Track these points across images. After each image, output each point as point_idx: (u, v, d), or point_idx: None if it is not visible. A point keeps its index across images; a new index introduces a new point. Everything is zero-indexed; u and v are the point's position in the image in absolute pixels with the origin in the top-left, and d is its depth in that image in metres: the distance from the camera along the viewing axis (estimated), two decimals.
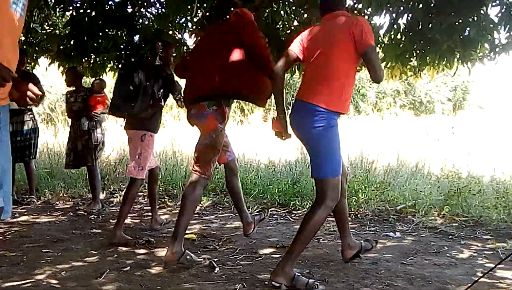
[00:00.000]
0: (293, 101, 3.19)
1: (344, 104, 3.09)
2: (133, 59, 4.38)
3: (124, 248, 3.99)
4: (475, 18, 4.40)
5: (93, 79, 6.12)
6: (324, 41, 3.08)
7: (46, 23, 6.92)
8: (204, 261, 3.57)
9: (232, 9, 5.30)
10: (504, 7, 4.38)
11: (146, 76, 4.08)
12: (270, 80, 3.39)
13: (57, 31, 6.82)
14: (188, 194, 3.53)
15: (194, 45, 3.84)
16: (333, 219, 5.11)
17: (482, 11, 4.36)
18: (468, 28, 4.48)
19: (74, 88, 5.70)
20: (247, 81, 3.44)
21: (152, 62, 4.28)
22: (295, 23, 5.84)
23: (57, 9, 6.16)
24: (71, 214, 5.43)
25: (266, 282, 3.13)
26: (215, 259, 3.63)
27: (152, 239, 4.22)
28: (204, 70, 3.49)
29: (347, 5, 4.86)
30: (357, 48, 2.97)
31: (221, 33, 3.60)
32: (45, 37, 6.34)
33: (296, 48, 3.23)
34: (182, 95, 3.97)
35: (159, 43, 4.37)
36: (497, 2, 4.43)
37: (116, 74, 6.58)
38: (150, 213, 4.89)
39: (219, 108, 3.49)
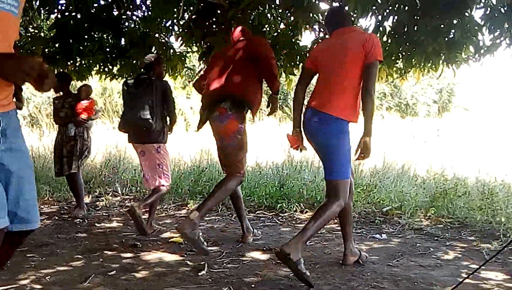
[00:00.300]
0: (306, 109, 3.41)
1: (356, 114, 3.32)
2: (137, 75, 4.59)
3: (109, 252, 3.96)
4: (460, 21, 4.44)
5: (80, 84, 6.07)
6: (340, 54, 3.27)
7: (31, 26, 6.86)
8: (204, 259, 3.55)
9: (218, 11, 5.32)
10: (488, 9, 4.42)
11: (155, 91, 4.40)
12: (274, 94, 3.99)
13: (42, 34, 6.77)
14: (222, 184, 3.75)
15: (211, 61, 4.11)
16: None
17: (466, 14, 4.39)
18: (453, 31, 4.52)
19: (61, 94, 5.61)
20: (251, 93, 3.81)
21: (153, 78, 4.50)
22: (282, 25, 5.85)
23: (42, 12, 6.11)
24: (56, 218, 5.38)
25: (253, 285, 3.13)
26: (202, 262, 3.62)
27: (139, 243, 4.19)
28: (221, 79, 3.80)
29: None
30: (365, 59, 3.20)
31: (236, 51, 3.88)
32: (29, 40, 6.28)
33: (311, 64, 3.48)
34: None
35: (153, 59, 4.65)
36: (481, 4, 4.48)
37: (101, 78, 6.58)
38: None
39: (238, 111, 3.78)
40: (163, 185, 4.58)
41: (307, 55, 5.47)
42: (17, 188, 1.90)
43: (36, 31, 6.88)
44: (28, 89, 10.49)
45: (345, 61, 3.23)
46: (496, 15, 4.36)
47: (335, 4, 5.02)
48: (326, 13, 3.85)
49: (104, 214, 5.66)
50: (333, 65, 3.28)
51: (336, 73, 3.26)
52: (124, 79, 4.37)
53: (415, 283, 3.19)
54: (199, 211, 3.52)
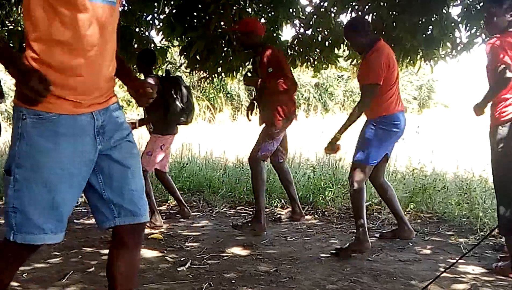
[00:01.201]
0: (398, 113, 3.89)
1: None
2: (169, 72, 4.98)
3: (88, 249, 3.92)
4: (437, 18, 4.50)
5: None
6: (395, 64, 3.84)
7: (8, 20, 6.73)
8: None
9: (199, 6, 5.29)
10: (465, 7, 4.49)
11: None
12: None
13: (19, 28, 6.65)
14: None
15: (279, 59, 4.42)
16: (299, 218, 5.16)
17: (444, 11, 4.45)
18: (431, 27, 4.57)
19: None
20: None
21: None
22: (262, 20, 5.84)
23: (19, 6, 6.01)
24: None
25: (233, 281, 3.12)
26: (182, 259, 3.61)
27: None
28: None
29: (313, 4, 4.98)
30: None
31: None
32: (6, 34, 6.16)
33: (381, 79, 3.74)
34: None
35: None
36: (458, 2, 4.54)
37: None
38: None
39: None
40: None
41: (288, 50, 5.50)
42: (121, 178, 1.86)
43: (13, 25, 6.75)
44: (5, 83, 10.31)
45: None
46: (472, 12, 4.42)
47: (315, 1, 5.03)
48: (361, 22, 3.97)
49: (83, 210, 5.58)
50: (396, 73, 3.84)
51: (398, 79, 3.89)
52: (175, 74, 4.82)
53: (394, 278, 3.22)
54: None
